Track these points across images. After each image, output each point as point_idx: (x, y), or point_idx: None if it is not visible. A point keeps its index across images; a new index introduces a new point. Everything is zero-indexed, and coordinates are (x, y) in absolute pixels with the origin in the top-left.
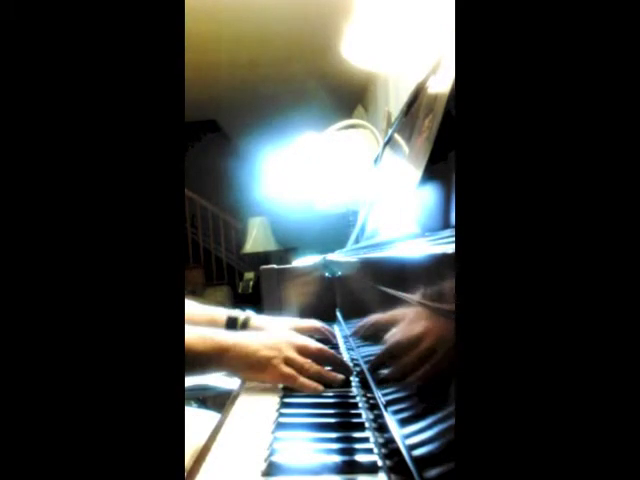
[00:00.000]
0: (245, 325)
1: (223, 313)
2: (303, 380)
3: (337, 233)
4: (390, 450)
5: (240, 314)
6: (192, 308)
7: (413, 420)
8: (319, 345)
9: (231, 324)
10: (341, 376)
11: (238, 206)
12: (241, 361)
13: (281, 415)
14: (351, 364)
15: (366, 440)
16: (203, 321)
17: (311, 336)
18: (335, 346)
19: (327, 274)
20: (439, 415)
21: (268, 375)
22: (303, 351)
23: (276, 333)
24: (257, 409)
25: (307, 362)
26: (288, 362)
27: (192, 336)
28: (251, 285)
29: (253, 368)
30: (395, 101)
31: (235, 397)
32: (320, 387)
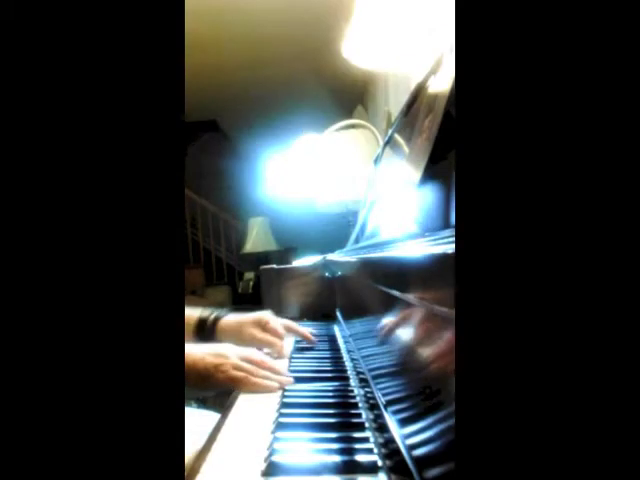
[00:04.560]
0: (214, 324)
1: (195, 313)
2: (255, 380)
3: (337, 233)
4: (390, 450)
5: (210, 313)
6: None
7: (413, 420)
8: (262, 356)
9: (201, 323)
10: (289, 379)
11: (238, 206)
12: (188, 371)
13: (281, 415)
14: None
15: (366, 440)
16: None
17: (259, 348)
18: (313, 348)
19: (327, 274)
20: (439, 415)
21: (217, 380)
22: (247, 361)
23: (219, 345)
24: (257, 409)
25: (254, 367)
26: (236, 368)
27: None
28: (251, 285)
29: (200, 376)
30: (395, 101)
31: (235, 397)
32: (275, 385)
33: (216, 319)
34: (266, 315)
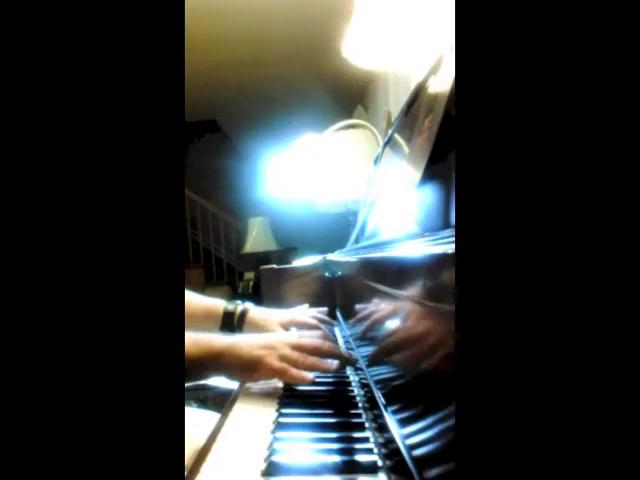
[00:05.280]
0: (243, 317)
1: (220, 305)
2: (292, 372)
3: (337, 233)
4: (390, 450)
5: (237, 306)
6: (190, 298)
7: (413, 420)
8: (315, 342)
9: (228, 316)
10: (335, 362)
11: (238, 206)
12: (235, 363)
13: (281, 415)
14: (350, 353)
15: (366, 440)
16: (200, 312)
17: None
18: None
19: (327, 274)
20: (439, 415)
21: (261, 372)
22: (298, 349)
23: (271, 335)
24: (257, 409)
25: (301, 356)
26: (282, 359)
27: (187, 342)
28: (251, 285)
29: (246, 368)
30: (395, 101)
31: (235, 397)
32: (309, 376)
33: (244, 312)
34: (293, 315)
